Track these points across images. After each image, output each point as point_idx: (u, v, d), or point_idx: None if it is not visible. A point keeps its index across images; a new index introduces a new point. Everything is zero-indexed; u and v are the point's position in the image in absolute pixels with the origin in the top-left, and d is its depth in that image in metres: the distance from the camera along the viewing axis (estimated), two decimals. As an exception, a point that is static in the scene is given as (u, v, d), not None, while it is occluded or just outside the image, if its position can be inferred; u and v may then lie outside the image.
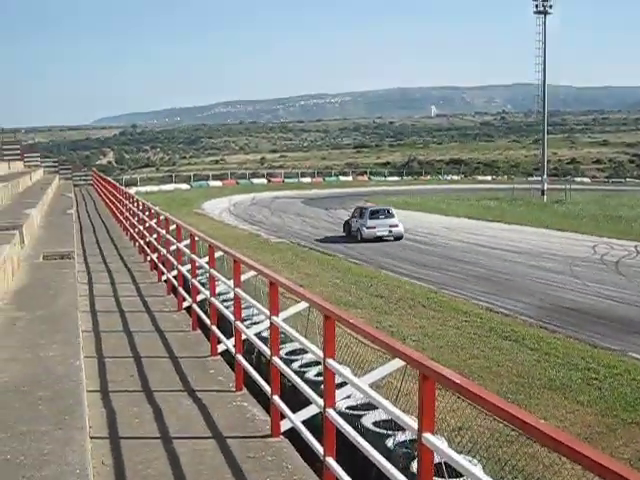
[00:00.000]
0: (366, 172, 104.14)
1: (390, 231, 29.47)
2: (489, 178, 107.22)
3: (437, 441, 3.04)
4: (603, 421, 8.84)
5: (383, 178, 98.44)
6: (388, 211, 30.96)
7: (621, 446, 8.09)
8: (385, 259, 24.00)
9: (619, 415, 9.02)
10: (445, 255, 25.41)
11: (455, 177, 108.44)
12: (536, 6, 66.61)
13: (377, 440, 6.73)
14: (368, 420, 7.25)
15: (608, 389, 10.04)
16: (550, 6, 66.02)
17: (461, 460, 2.96)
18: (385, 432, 6.91)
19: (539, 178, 69.83)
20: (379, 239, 28.95)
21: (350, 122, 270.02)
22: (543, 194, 63.83)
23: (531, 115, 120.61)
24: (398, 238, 29.34)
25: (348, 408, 7.44)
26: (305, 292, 5.00)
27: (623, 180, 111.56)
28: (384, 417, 6.91)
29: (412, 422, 3.25)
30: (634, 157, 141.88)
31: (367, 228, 29.38)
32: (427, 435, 2.98)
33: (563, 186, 66.64)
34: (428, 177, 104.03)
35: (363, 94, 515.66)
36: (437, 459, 3.98)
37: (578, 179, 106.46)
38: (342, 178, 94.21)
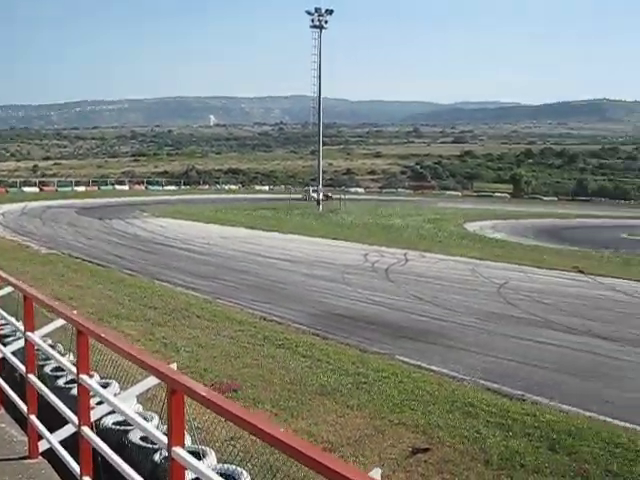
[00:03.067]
0: (143, 181, 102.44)
1: None
2: (266, 188, 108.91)
3: (187, 455, 3.00)
4: (372, 423, 9.11)
5: (160, 187, 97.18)
6: None
7: (389, 446, 8.37)
8: (161, 270, 23.63)
9: (387, 417, 9.33)
10: (221, 265, 25.43)
11: (233, 187, 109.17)
12: (312, 20, 68.57)
13: (144, 455, 6.60)
14: (136, 435, 7.07)
15: (377, 392, 10.36)
16: (326, 21, 68.22)
17: (212, 475, 2.93)
18: (152, 446, 6.76)
19: (315, 188, 71.77)
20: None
21: (128, 130, 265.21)
22: (319, 204, 65.66)
23: (308, 127, 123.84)
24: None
25: (115, 423, 7.22)
26: (59, 306, 4.80)
27: (395, 190, 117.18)
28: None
29: (162, 437, 3.19)
30: (405, 168, 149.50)
31: None
32: (177, 449, 2.93)
33: (339, 196, 68.96)
34: (206, 186, 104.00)
35: (141, 102, 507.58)
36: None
37: (353, 189, 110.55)
38: (118, 187, 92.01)
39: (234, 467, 6.14)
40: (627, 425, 9.49)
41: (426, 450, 8.28)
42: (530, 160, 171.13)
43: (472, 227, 52.58)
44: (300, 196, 73.51)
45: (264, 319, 15.85)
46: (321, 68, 68.61)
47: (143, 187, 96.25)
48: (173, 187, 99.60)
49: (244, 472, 6.14)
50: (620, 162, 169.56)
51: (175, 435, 2.92)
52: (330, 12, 68.47)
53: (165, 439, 3.02)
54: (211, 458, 6.35)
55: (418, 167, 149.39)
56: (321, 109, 70.21)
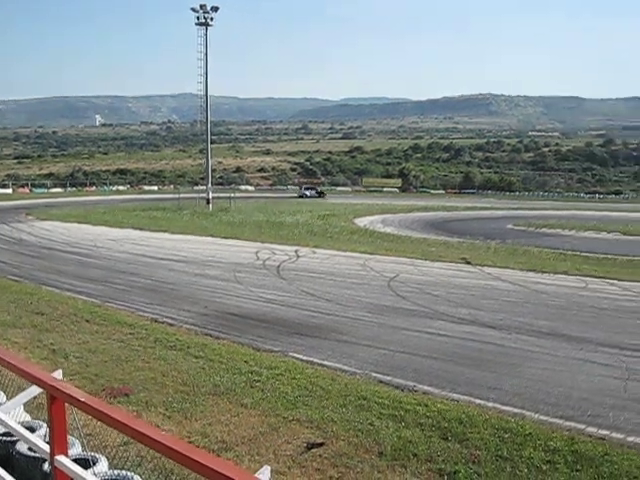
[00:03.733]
0: (28, 184, 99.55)
1: None
2: (155, 188, 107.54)
3: (71, 464, 2.93)
4: (267, 421, 9.10)
5: (46, 190, 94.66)
6: None
7: (284, 443, 8.38)
8: (48, 275, 22.99)
9: (281, 414, 9.34)
10: (110, 267, 24.92)
11: (121, 187, 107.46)
12: (197, 18, 67.89)
13: (33, 465, 6.42)
14: (23, 445, 6.86)
15: (270, 390, 10.36)
16: (211, 18, 67.60)
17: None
18: (40, 456, 6.58)
19: (204, 187, 71.26)
20: None
21: (10, 132, 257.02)
22: (209, 203, 65.23)
23: (196, 125, 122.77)
24: None
25: (1, 435, 7.00)
26: None
27: (285, 187, 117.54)
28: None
29: (45, 446, 3.11)
30: (295, 165, 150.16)
31: None
32: (60, 458, 2.87)
33: (229, 194, 68.67)
34: (93, 188, 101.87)
35: (22, 102, 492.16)
36: None
37: (243, 187, 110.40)
38: (1, 190, 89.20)
39: (125, 472, 6.04)
40: (515, 410, 9.77)
41: (321, 445, 8.33)
42: (418, 155, 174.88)
43: (362, 222, 53.26)
44: (192, 196, 72.75)
45: (155, 321, 15.63)
46: (208, 66, 68.03)
47: (28, 190, 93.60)
48: (59, 189, 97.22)
49: (136, 477, 6.04)
50: (505, 155, 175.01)
51: (57, 443, 2.85)
52: (216, 9, 67.86)
53: (48, 448, 2.94)
54: (102, 465, 6.22)
55: (308, 164, 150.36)
56: (209, 107, 69.65)
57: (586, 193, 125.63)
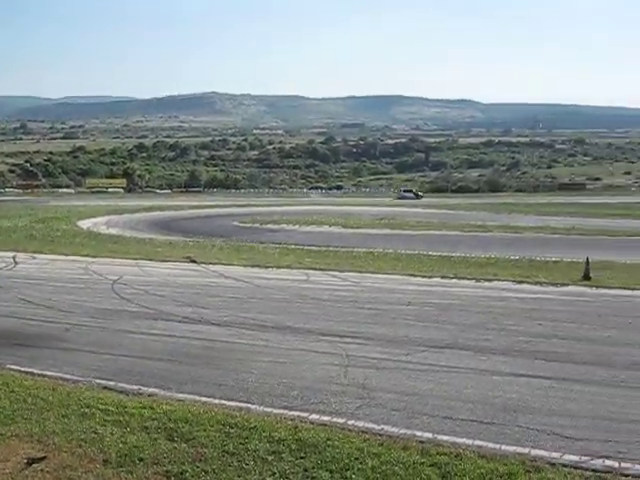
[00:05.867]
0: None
1: None
2: None
3: None
4: (-20, 441, 8.51)
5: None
6: None
7: (1, 462, 7.89)
8: None
9: (-2, 431, 8.79)
10: None
11: None
12: None
13: None
14: None
15: (-15, 406, 9.71)
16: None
17: None
18: None
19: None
20: None
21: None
22: None
23: None
24: None
25: None
26: None
27: (3, 190, 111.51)
28: None
29: None
30: (14, 167, 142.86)
31: None
32: None
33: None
34: None
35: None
36: None
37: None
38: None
39: None
40: (241, 405, 9.87)
41: (42, 459, 7.95)
42: (143, 154, 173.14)
43: (86, 224, 51.80)
44: None
45: None
46: None
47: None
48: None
49: None
50: (230, 153, 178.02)
51: None
52: None
53: None
54: None
55: (28, 165, 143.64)
56: None
57: (310, 188, 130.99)
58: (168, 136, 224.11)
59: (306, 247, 35.43)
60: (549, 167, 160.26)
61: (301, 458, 7.96)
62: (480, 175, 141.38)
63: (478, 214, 64.66)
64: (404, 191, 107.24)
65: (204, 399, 10.18)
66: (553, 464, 7.93)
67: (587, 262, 23.02)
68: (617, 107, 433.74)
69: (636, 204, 76.70)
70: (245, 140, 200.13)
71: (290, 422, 9.11)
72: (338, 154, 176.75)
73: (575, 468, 7.84)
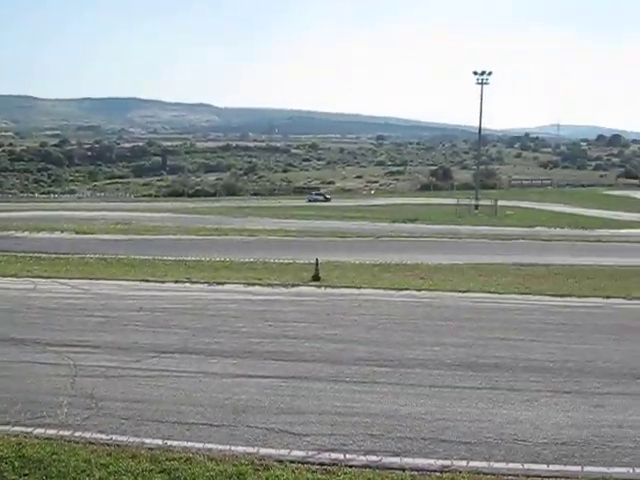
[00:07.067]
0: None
1: None
2: None
3: None
4: None
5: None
6: None
7: None
8: None
9: None
10: None
11: None
12: None
13: None
14: None
15: None
16: None
17: None
18: None
19: None
20: None
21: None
22: None
23: None
24: None
25: None
26: None
27: None
28: None
29: None
30: None
31: None
32: None
33: None
34: None
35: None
36: None
37: None
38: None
39: None
40: None
41: None
42: None
43: None
44: None
45: None
46: None
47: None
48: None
49: None
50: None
51: None
52: None
53: None
54: None
55: None
56: None
57: (41, 193, 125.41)
58: None
59: (36, 254, 33.87)
60: (285, 171, 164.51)
61: (25, 475, 7.73)
62: (217, 179, 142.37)
63: (215, 218, 65.18)
64: (315, 194, 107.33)
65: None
66: (281, 461, 8.30)
67: (317, 263, 24.14)
68: (350, 114, 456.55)
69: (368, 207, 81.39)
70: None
71: (14, 438, 8.78)
72: (72, 158, 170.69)
73: (302, 463, 8.27)
